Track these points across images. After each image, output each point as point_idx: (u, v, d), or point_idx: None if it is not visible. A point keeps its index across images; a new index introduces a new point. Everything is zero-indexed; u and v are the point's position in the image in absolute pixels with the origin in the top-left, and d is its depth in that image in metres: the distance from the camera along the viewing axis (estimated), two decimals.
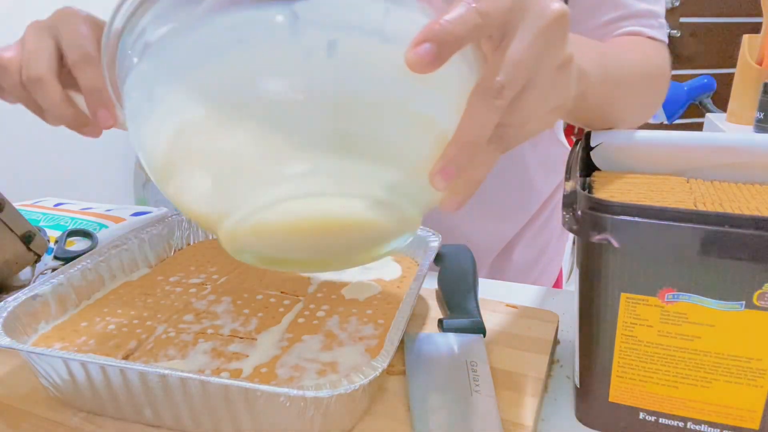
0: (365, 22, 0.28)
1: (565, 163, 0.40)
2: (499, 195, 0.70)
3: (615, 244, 0.31)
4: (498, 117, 0.29)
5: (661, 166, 0.41)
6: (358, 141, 0.28)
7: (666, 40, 0.59)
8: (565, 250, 0.83)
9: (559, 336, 0.48)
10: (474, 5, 0.28)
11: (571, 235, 0.35)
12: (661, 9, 0.59)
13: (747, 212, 0.33)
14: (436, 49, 0.27)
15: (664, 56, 0.57)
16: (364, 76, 0.27)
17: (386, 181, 0.30)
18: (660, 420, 0.36)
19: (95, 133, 0.43)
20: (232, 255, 0.33)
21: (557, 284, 0.83)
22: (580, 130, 0.52)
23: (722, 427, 0.35)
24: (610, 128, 0.51)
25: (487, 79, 0.29)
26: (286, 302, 0.46)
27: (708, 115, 1.72)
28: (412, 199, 0.31)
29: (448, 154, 0.29)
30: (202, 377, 0.33)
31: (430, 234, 0.52)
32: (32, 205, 0.72)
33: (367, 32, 0.28)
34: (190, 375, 0.33)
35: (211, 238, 0.58)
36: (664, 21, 0.59)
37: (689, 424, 0.35)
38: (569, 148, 0.75)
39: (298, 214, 0.30)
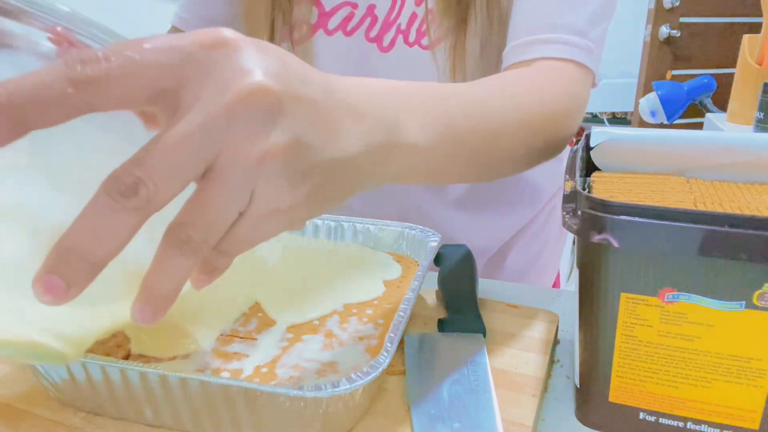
0: None
1: (565, 166, 0.40)
2: (494, 198, 0.70)
3: (615, 244, 0.31)
4: (133, 220, 0.22)
5: (661, 166, 0.41)
6: None
7: (588, 63, 0.50)
8: (560, 257, 0.83)
9: (559, 336, 0.48)
10: (73, 65, 0.21)
11: (570, 236, 0.35)
12: (590, 28, 0.51)
13: (747, 212, 0.33)
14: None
15: (576, 87, 0.49)
16: None
17: None
18: (660, 420, 0.36)
19: None
20: None
21: (554, 287, 0.83)
22: (581, 130, 0.52)
23: (722, 427, 0.35)
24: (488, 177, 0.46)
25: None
26: None
27: (708, 115, 1.72)
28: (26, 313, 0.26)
29: (48, 260, 0.22)
30: (202, 377, 0.33)
31: (430, 234, 0.52)
32: None
33: None
34: (190, 375, 0.33)
35: None
36: (591, 44, 0.51)
37: (689, 424, 0.35)
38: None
39: None
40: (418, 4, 0.59)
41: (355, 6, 0.61)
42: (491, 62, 0.58)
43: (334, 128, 0.27)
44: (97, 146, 0.24)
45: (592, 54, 0.51)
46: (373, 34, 0.61)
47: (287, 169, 0.25)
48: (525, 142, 0.46)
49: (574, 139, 0.46)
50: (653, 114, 1.87)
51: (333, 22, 0.62)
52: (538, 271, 0.78)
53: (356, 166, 0.29)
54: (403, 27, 0.59)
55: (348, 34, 0.62)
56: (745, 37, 1.51)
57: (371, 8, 0.61)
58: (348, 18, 0.62)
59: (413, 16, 0.59)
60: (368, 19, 0.61)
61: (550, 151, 0.50)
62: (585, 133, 0.45)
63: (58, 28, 0.26)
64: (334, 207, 0.30)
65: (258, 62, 0.24)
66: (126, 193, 0.21)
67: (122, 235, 0.22)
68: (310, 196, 0.27)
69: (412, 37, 0.59)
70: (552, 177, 0.73)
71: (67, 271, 0.22)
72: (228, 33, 0.24)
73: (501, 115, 0.43)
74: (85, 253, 0.22)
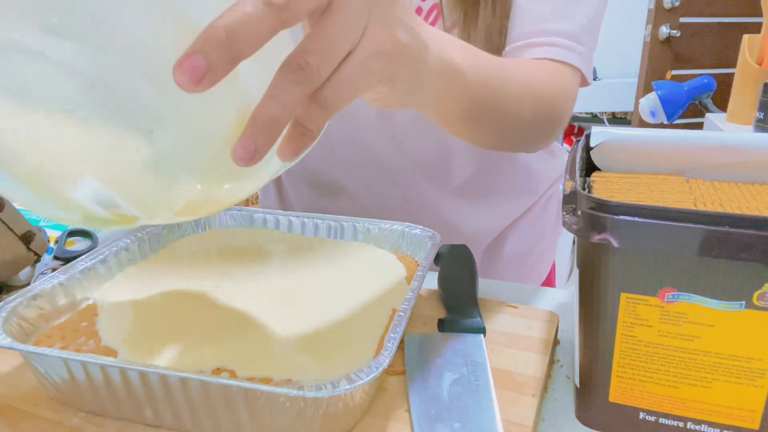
0: None
1: (562, 161, 0.40)
2: (492, 187, 0.71)
3: (615, 244, 0.31)
4: (305, 91, 0.27)
5: (661, 166, 0.41)
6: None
7: (580, 66, 0.57)
8: (557, 246, 0.84)
9: (559, 336, 0.48)
10: None
11: (570, 235, 0.35)
12: (582, 33, 0.57)
13: (747, 212, 0.33)
14: (207, 67, 0.23)
15: (569, 81, 0.56)
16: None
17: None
18: (660, 420, 0.36)
19: None
20: None
21: (549, 279, 0.84)
22: (581, 130, 0.53)
23: (722, 427, 0.35)
24: (492, 145, 0.53)
25: (295, 54, 0.27)
26: None
27: (708, 115, 1.72)
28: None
29: (247, 131, 0.26)
30: (202, 377, 0.33)
31: (430, 234, 0.52)
32: None
33: None
34: (190, 375, 0.33)
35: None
36: (582, 48, 0.57)
37: (689, 424, 0.35)
38: (564, 144, 0.76)
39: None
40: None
41: None
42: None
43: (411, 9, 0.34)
44: None
45: (581, 56, 0.57)
46: None
47: (392, 15, 0.30)
48: (527, 110, 0.52)
49: (575, 139, 0.46)
50: (653, 114, 1.87)
51: None
52: (534, 259, 0.79)
53: (425, 48, 0.35)
54: None
55: None
56: (745, 37, 1.51)
57: None
58: None
59: (417, 10, 0.59)
60: None
61: (546, 131, 0.56)
62: (585, 133, 0.45)
63: None
64: (408, 91, 0.35)
65: None
66: (300, 74, 0.26)
67: (295, 102, 0.26)
68: (404, 47, 0.32)
69: None
70: (546, 169, 0.75)
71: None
72: None
73: (514, 77, 0.51)
74: (272, 120, 0.26)
